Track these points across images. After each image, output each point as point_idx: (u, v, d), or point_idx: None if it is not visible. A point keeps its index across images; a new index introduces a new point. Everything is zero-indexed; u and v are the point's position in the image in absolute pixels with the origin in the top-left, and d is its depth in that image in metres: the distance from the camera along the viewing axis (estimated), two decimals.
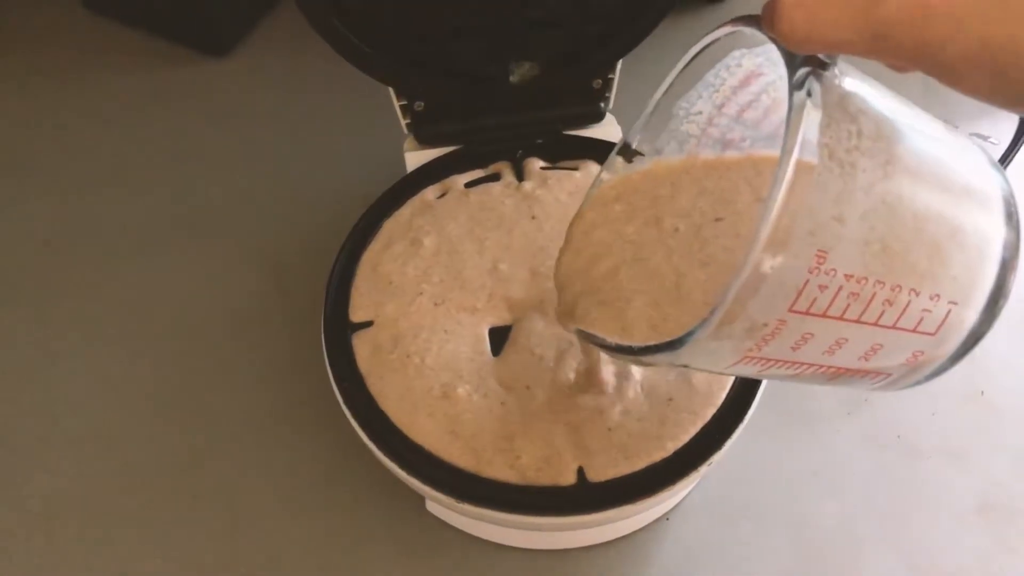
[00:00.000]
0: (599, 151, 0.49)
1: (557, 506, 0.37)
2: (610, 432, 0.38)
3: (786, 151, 0.23)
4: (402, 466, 0.39)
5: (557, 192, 0.46)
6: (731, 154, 0.34)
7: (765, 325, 0.25)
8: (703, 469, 0.39)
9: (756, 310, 0.24)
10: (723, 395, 0.40)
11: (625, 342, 0.32)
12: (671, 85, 0.33)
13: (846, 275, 0.25)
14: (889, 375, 0.29)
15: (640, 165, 0.36)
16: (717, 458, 0.39)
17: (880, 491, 0.46)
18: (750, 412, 0.40)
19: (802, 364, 0.27)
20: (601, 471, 0.38)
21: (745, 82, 0.31)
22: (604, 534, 0.43)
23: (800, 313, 0.25)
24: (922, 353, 0.28)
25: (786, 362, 0.27)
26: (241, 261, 0.54)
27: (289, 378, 0.49)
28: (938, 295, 0.26)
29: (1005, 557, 0.44)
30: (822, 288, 0.24)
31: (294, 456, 0.46)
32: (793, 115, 0.23)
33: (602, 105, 0.50)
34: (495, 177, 0.48)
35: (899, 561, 0.44)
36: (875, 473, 0.47)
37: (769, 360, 0.27)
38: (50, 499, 0.45)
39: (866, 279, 0.25)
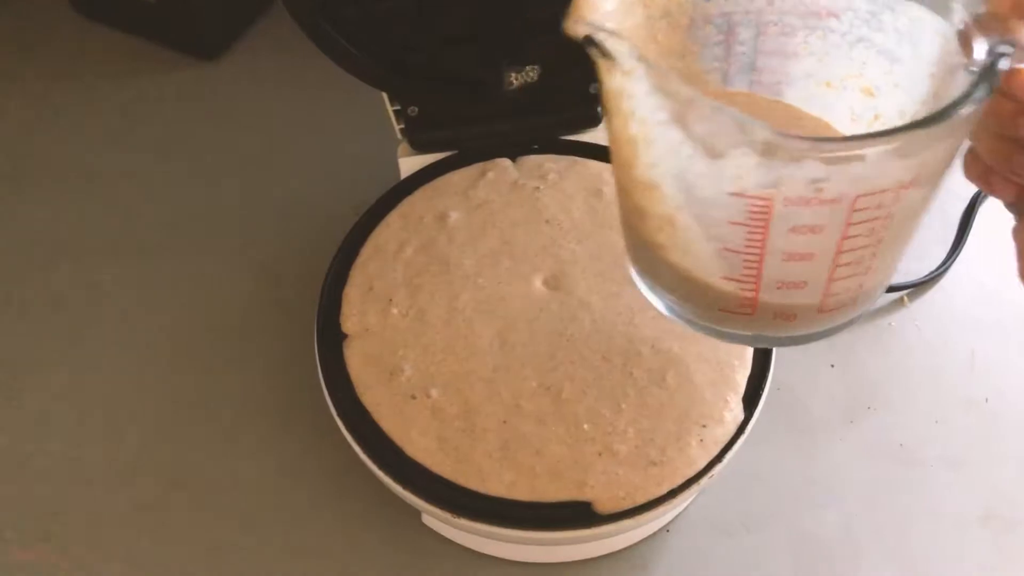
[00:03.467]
0: (594, 156, 0.48)
1: (556, 521, 0.37)
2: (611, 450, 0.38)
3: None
4: (397, 480, 0.38)
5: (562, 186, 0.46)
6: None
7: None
8: (704, 482, 0.38)
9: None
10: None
11: None
12: None
13: None
14: None
15: None
16: (718, 470, 0.38)
17: (881, 500, 0.45)
18: (751, 424, 0.40)
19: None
20: (604, 492, 0.37)
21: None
22: (603, 547, 0.43)
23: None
24: None
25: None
26: (236, 267, 0.53)
27: (285, 387, 0.48)
28: None
29: (1008, 568, 0.43)
30: None
31: (288, 464, 0.46)
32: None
33: (598, 109, 0.49)
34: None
35: (900, 572, 0.43)
36: (876, 482, 0.46)
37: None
38: (48, 501, 0.44)
39: None
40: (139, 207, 0.57)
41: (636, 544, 0.44)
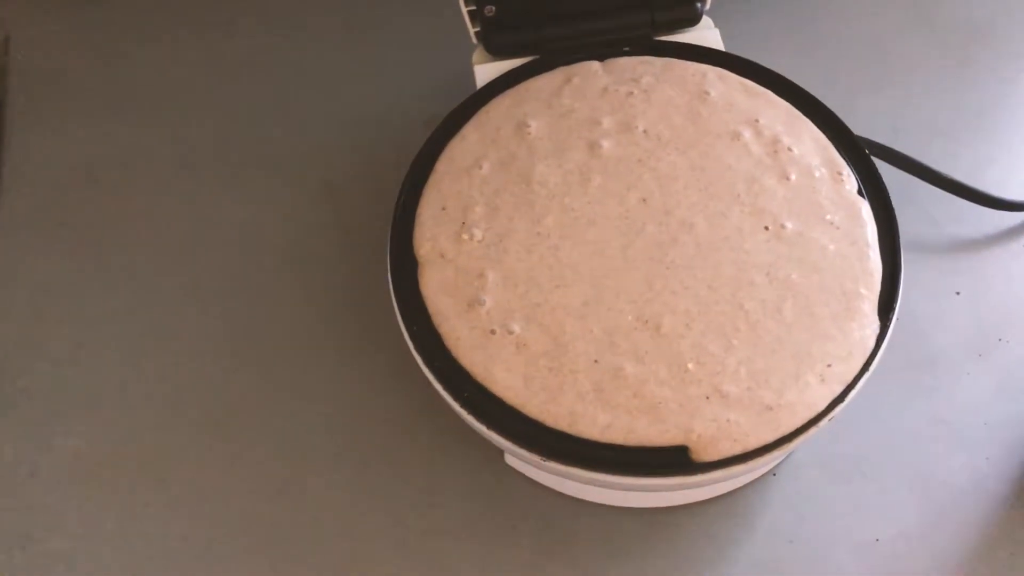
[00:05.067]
0: (695, 58, 0.43)
1: (655, 467, 0.33)
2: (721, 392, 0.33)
3: None
4: (481, 420, 0.34)
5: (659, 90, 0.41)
6: None
7: None
8: (823, 424, 0.34)
9: None
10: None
11: None
12: None
13: None
14: None
15: None
16: (839, 411, 0.34)
17: (1018, 442, 0.40)
18: (877, 359, 0.35)
19: None
20: (712, 437, 0.33)
21: None
22: (702, 493, 0.39)
23: None
24: None
25: None
26: (299, 189, 0.50)
27: (357, 318, 0.45)
28: None
29: None
30: None
31: (362, 400, 0.43)
32: None
33: (699, 5, 0.44)
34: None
35: None
36: (1011, 422, 0.41)
37: None
38: (93, 444, 0.42)
39: None
40: (197, 128, 0.53)
41: (739, 489, 0.40)
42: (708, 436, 0.33)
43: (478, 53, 0.45)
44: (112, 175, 0.50)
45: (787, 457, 0.40)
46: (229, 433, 0.42)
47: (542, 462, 0.34)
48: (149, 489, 0.41)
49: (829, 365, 0.34)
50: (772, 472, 0.40)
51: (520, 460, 0.37)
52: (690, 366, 0.34)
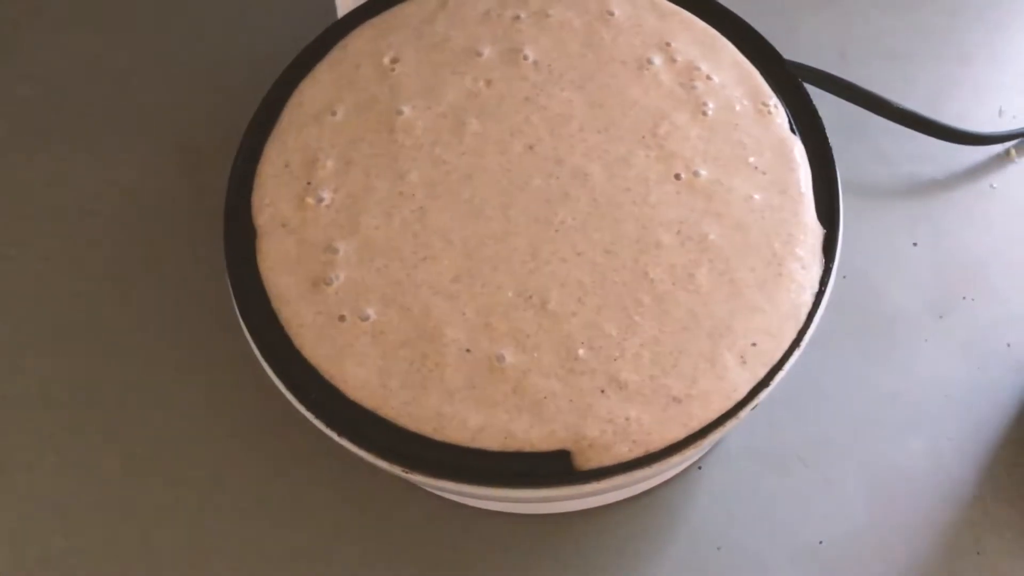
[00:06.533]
0: None
1: (539, 477, 0.27)
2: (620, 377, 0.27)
3: None
4: (330, 425, 0.28)
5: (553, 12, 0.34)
6: None
7: None
8: (744, 415, 0.28)
9: None
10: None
11: None
12: None
13: None
14: None
15: None
16: (764, 396, 0.28)
17: (985, 418, 0.35)
18: (811, 330, 0.29)
19: None
20: (604, 439, 0.27)
21: None
22: (609, 495, 0.33)
23: None
24: None
25: None
26: (147, 150, 0.42)
27: (207, 299, 0.38)
28: None
29: None
30: None
31: (212, 399, 0.36)
32: None
33: None
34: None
35: (1012, 511, 0.33)
36: (977, 395, 0.35)
37: None
38: None
39: None
40: (30, 85, 0.45)
41: (656, 487, 0.34)
42: (602, 438, 0.26)
43: None
44: None
45: (713, 446, 0.34)
46: (57, 428, 0.36)
47: (404, 474, 0.27)
48: None
49: (754, 344, 0.27)
50: (697, 465, 0.34)
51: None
52: (581, 352, 0.27)
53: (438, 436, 0.27)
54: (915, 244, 0.39)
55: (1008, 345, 0.36)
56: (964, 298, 0.37)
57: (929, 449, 0.34)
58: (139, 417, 0.36)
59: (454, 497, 0.34)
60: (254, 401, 0.35)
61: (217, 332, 0.37)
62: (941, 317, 0.37)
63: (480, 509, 0.34)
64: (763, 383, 0.28)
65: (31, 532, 0.34)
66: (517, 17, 0.34)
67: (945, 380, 0.36)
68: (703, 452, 0.34)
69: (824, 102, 0.34)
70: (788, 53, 0.34)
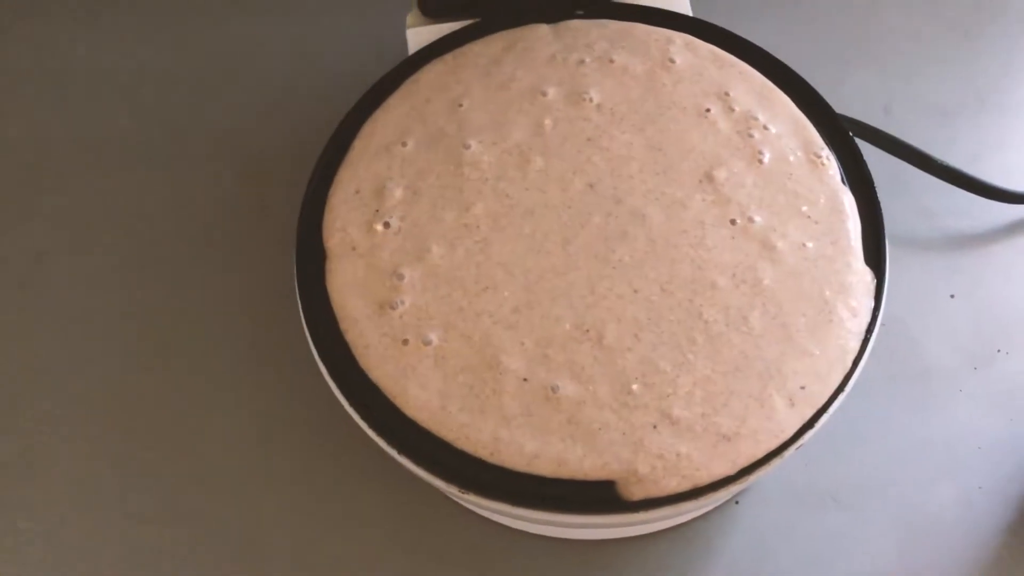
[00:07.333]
0: (657, 22, 0.37)
1: (589, 504, 0.28)
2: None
3: None
4: (390, 442, 0.29)
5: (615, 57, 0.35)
6: None
7: None
8: (788, 454, 0.29)
9: None
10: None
11: None
12: None
13: None
14: None
15: None
16: (808, 437, 0.29)
17: (1015, 471, 0.35)
18: (855, 377, 0.30)
19: None
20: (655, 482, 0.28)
21: None
22: (652, 524, 0.34)
23: None
24: None
25: None
26: (211, 171, 0.44)
27: (268, 316, 0.39)
28: None
29: None
30: None
31: (271, 412, 0.37)
32: None
33: None
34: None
35: None
36: (1008, 447, 0.36)
37: None
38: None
39: None
40: (105, 105, 0.47)
41: (695, 519, 0.35)
42: (652, 473, 0.27)
43: (412, 15, 0.39)
44: (18, 157, 0.45)
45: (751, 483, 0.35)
46: (122, 434, 0.37)
47: (460, 494, 0.29)
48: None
49: (802, 387, 0.29)
50: (734, 500, 0.35)
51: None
52: (635, 387, 0.29)
53: (494, 460, 0.28)
54: (952, 296, 0.40)
55: None
56: (999, 351, 0.38)
57: (960, 497, 0.35)
58: (203, 428, 0.37)
59: (496, 517, 0.35)
60: (314, 418, 0.37)
61: (282, 350, 0.38)
62: (976, 369, 0.38)
63: (520, 531, 0.35)
64: (809, 424, 0.29)
65: (94, 542, 0.35)
66: (582, 61, 0.35)
67: (978, 431, 0.36)
68: (741, 488, 0.35)
69: (868, 155, 0.35)
70: (835, 106, 0.35)
